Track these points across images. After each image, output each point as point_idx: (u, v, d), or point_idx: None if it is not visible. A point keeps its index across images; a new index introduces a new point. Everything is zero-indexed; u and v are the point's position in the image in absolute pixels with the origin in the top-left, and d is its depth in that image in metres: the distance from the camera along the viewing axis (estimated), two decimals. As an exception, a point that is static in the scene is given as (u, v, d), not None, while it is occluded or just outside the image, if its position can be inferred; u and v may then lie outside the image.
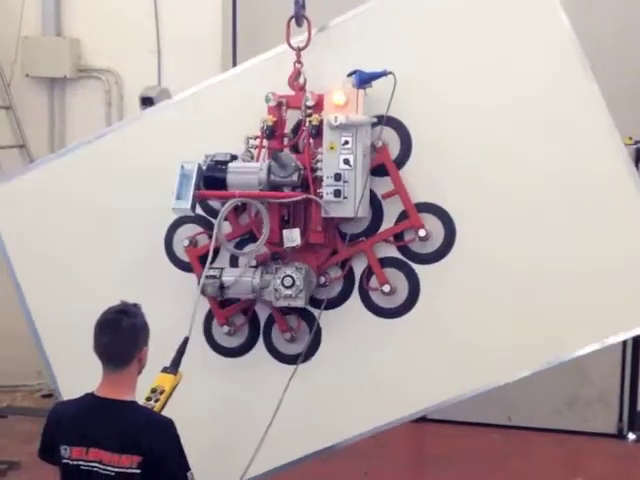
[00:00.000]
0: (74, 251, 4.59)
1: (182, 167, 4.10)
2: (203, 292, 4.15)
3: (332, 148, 3.98)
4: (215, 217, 4.13)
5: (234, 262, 4.31)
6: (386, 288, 4.11)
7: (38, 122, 7.71)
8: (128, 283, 4.39)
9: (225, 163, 4.12)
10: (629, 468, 6.45)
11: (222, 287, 4.14)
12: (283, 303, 4.10)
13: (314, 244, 4.15)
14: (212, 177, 4.10)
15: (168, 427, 3.19)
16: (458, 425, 6.89)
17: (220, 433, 4.34)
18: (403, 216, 4.13)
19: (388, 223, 4.16)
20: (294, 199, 4.06)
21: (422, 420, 6.18)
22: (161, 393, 3.64)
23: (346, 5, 4.28)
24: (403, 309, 4.15)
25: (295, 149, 4.24)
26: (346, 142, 3.97)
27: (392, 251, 4.17)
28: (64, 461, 3.17)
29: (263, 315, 4.34)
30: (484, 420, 6.94)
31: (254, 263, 4.20)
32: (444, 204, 4.10)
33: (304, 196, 4.05)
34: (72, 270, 4.59)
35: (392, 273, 4.15)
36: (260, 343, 4.35)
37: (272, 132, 4.17)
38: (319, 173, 4.04)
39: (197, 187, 4.07)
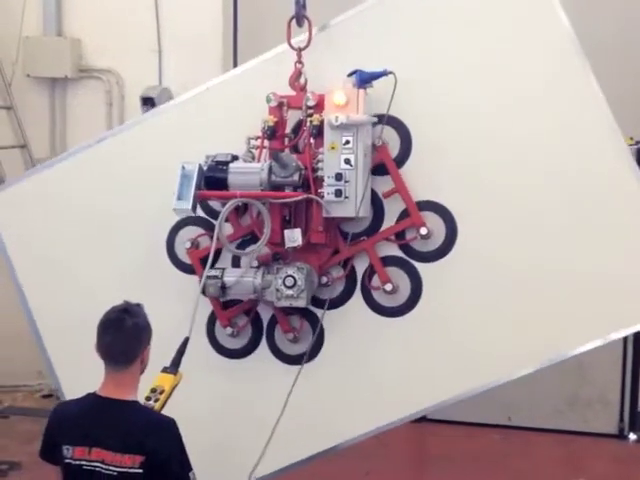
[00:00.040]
0: (76, 254, 4.60)
1: (183, 168, 4.10)
2: (204, 292, 4.15)
3: (333, 148, 3.99)
4: (216, 219, 4.13)
5: (236, 263, 4.31)
6: (388, 287, 4.12)
7: (39, 122, 7.72)
8: (130, 285, 4.38)
9: (226, 163, 4.12)
10: (630, 468, 6.44)
11: (224, 287, 4.14)
12: (285, 303, 4.11)
13: (315, 244, 4.15)
14: (213, 177, 4.11)
15: (171, 427, 3.19)
16: (458, 425, 6.89)
17: (222, 433, 4.34)
18: (404, 214, 4.13)
19: (389, 222, 4.16)
20: (295, 199, 4.06)
21: (422, 420, 6.18)
22: (161, 393, 3.64)
23: (346, 5, 4.28)
24: (405, 308, 4.16)
25: (296, 149, 4.24)
26: (347, 142, 3.98)
27: (394, 250, 4.17)
28: (66, 461, 3.17)
29: (266, 316, 4.34)
30: (484, 420, 6.94)
31: (256, 263, 4.20)
32: (445, 202, 4.11)
33: (305, 196, 4.05)
34: (74, 272, 4.60)
35: (394, 272, 4.16)
36: (263, 344, 4.35)
37: (273, 132, 4.17)
38: (320, 173, 4.05)
39: (198, 187, 4.07)
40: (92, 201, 4.57)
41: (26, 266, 4.67)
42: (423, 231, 4.08)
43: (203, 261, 4.23)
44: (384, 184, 4.14)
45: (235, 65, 6.77)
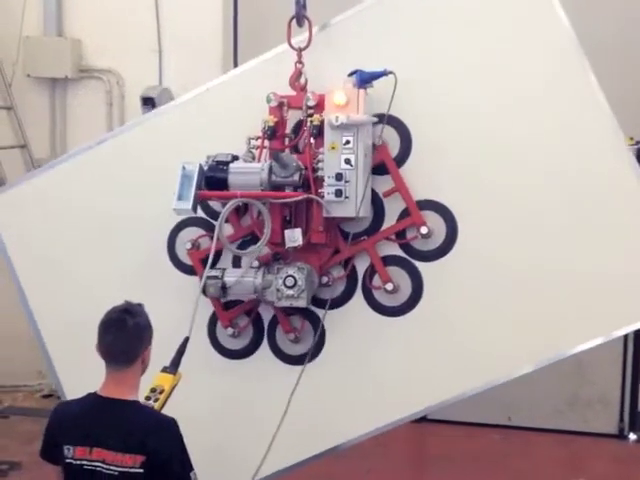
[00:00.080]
0: (77, 255, 4.60)
1: (183, 168, 4.10)
2: (205, 292, 4.16)
3: (333, 148, 3.99)
4: (217, 220, 4.13)
5: (237, 264, 4.31)
6: (389, 286, 4.12)
7: (39, 122, 7.72)
8: (131, 286, 4.38)
9: (226, 163, 4.13)
10: (630, 469, 6.45)
11: (224, 287, 4.15)
12: (285, 303, 4.11)
13: (316, 244, 4.15)
14: (213, 177, 4.11)
15: (172, 427, 3.19)
16: (458, 425, 6.90)
17: (224, 433, 4.34)
18: (405, 214, 4.14)
19: (390, 221, 4.17)
20: (295, 199, 4.07)
21: (422, 420, 6.19)
22: (160, 393, 3.65)
23: (346, 5, 4.28)
24: (406, 307, 4.16)
25: (296, 149, 4.24)
26: (347, 142, 3.98)
27: (395, 249, 4.18)
28: (67, 461, 3.17)
29: (267, 316, 4.34)
30: (484, 420, 6.95)
31: (256, 264, 4.21)
32: (445, 201, 4.11)
33: (305, 196, 4.05)
34: (74, 273, 4.60)
35: (395, 271, 4.16)
36: (264, 344, 4.35)
37: (273, 132, 4.17)
38: (320, 173, 4.05)
39: (198, 187, 4.07)
40: (93, 203, 4.58)
41: (27, 267, 4.67)
42: (424, 230, 4.08)
43: (204, 262, 4.23)
44: (384, 183, 4.15)
45: (235, 65, 6.77)
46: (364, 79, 4.04)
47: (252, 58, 4.46)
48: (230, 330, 4.33)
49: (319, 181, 4.05)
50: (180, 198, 4.05)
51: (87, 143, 4.68)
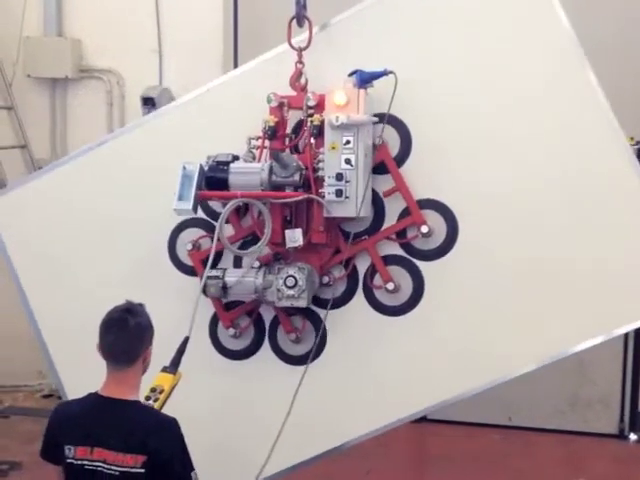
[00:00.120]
0: (77, 256, 4.60)
1: (184, 168, 4.10)
2: (206, 292, 4.16)
3: (334, 148, 4.00)
4: (217, 220, 4.13)
5: (238, 265, 4.31)
6: (390, 286, 4.12)
7: (40, 122, 7.72)
8: (132, 287, 4.37)
9: (227, 164, 4.13)
10: (630, 469, 6.44)
11: (225, 287, 4.15)
12: (286, 303, 4.11)
13: (316, 244, 4.16)
14: (214, 178, 4.11)
15: (173, 427, 3.18)
16: (458, 425, 6.89)
17: (225, 434, 4.35)
18: (405, 213, 4.14)
19: (390, 221, 4.17)
20: (296, 199, 4.07)
21: (422, 420, 6.18)
22: (160, 392, 3.64)
23: (346, 5, 4.28)
24: (407, 306, 4.16)
25: (296, 149, 4.25)
26: (348, 142, 3.98)
27: (395, 249, 4.18)
28: (68, 461, 3.17)
29: (268, 317, 4.34)
30: (484, 420, 6.94)
31: (257, 264, 4.21)
32: (446, 200, 4.11)
33: (306, 196, 4.06)
34: (75, 274, 4.61)
35: (396, 270, 4.16)
36: (265, 345, 4.36)
37: (274, 132, 4.17)
38: (321, 173, 4.05)
39: (199, 188, 4.08)
40: (93, 204, 4.58)
41: (28, 267, 4.68)
42: (424, 229, 4.09)
43: (204, 263, 4.22)
44: (385, 183, 4.15)
45: (235, 66, 6.77)
46: (364, 79, 4.04)
47: (252, 58, 4.47)
48: (231, 331, 4.33)
49: (319, 181, 4.06)
50: (181, 198, 4.06)
51: (87, 145, 4.68)
